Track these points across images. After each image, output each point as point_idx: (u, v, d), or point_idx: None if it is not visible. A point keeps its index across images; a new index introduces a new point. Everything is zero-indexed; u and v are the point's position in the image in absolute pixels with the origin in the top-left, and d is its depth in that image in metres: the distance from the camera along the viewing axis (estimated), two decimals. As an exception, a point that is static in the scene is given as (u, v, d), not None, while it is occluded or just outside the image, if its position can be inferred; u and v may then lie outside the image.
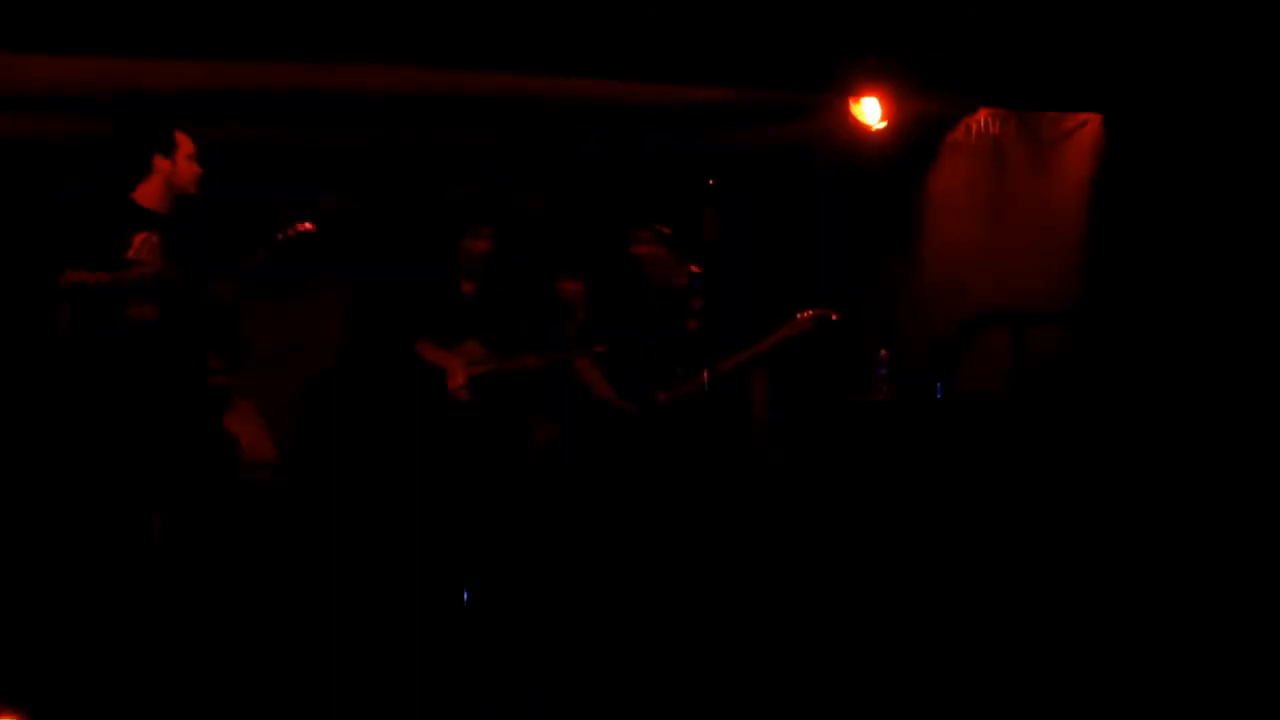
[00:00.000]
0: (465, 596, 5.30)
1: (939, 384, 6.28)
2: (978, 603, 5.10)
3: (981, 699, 4.28)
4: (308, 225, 5.06)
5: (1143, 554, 4.88)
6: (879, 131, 5.65)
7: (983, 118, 6.22)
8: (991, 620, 4.93)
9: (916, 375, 6.38)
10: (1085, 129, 5.50)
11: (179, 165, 5.12)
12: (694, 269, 5.76)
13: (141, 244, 5.02)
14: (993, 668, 4.49)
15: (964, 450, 5.84)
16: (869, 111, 5.53)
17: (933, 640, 4.78)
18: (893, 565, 5.52)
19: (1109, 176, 5.29)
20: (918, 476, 5.83)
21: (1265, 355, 4.58)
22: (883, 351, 6.45)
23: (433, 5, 4.27)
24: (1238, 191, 4.72)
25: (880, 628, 4.94)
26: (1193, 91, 4.79)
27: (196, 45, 4.44)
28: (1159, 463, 4.90)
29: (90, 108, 5.96)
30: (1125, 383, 5.12)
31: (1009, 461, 5.63)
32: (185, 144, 5.15)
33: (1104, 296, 5.21)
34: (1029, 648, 4.63)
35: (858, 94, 5.40)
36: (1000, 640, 4.73)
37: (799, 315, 5.53)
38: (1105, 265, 5.27)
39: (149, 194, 5.10)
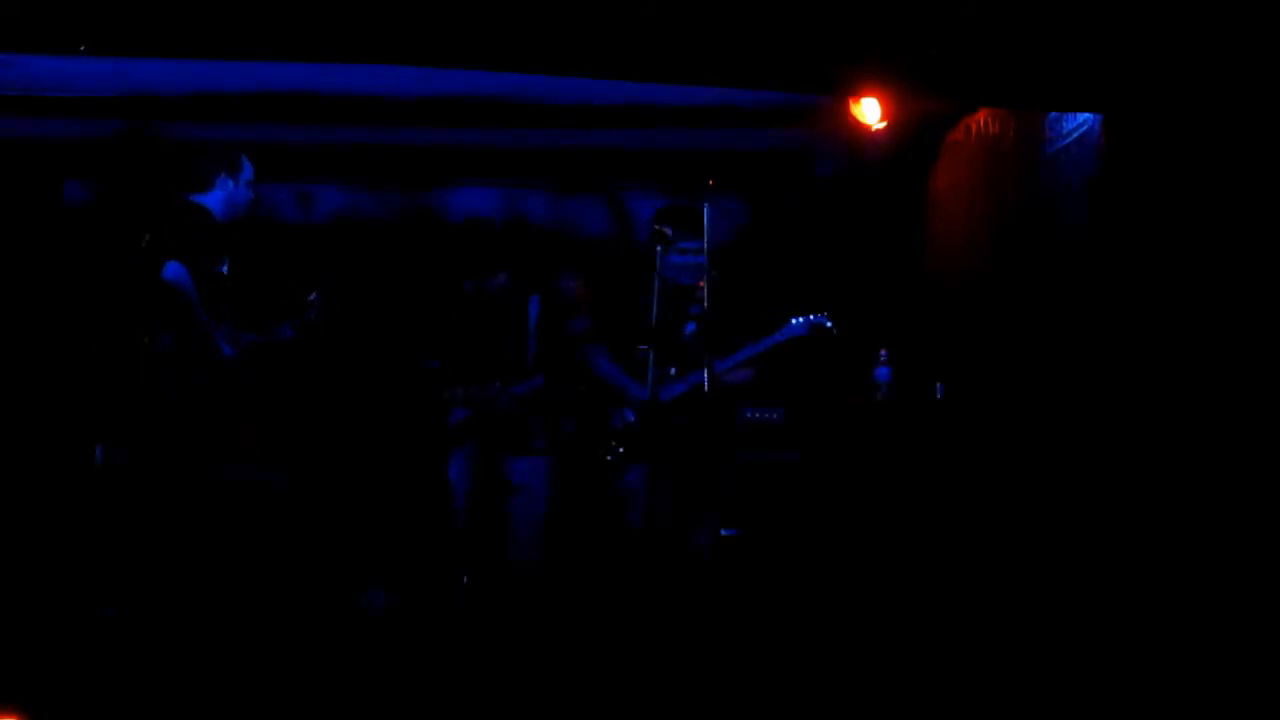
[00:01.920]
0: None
1: (939, 384, 6.28)
2: (977, 603, 5.11)
3: (981, 698, 4.29)
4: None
5: (1157, 552, 4.87)
6: (879, 131, 5.65)
7: (983, 118, 6.22)
8: (992, 621, 4.94)
9: (917, 375, 6.39)
10: (1085, 129, 5.50)
11: (239, 188, 5.12)
12: (700, 285, 5.76)
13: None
14: (993, 667, 4.50)
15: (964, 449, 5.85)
16: (869, 111, 5.53)
17: (933, 640, 4.79)
18: (892, 565, 5.53)
19: (1109, 177, 5.28)
20: (918, 476, 5.83)
21: (1268, 357, 4.57)
22: (883, 351, 6.45)
23: (432, 5, 4.27)
24: (1240, 192, 4.72)
25: (879, 629, 4.95)
26: (1194, 91, 4.79)
27: (196, 45, 4.44)
28: (1164, 465, 4.90)
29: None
30: (1126, 384, 5.12)
31: (1008, 462, 5.64)
32: (248, 169, 5.14)
33: (1105, 297, 5.20)
34: (1028, 648, 4.64)
35: (858, 94, 5.40)
36: (1001, 641, 4.74)
37: (793, 320, 5.55)
38: (1106, 266, 5.27)
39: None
